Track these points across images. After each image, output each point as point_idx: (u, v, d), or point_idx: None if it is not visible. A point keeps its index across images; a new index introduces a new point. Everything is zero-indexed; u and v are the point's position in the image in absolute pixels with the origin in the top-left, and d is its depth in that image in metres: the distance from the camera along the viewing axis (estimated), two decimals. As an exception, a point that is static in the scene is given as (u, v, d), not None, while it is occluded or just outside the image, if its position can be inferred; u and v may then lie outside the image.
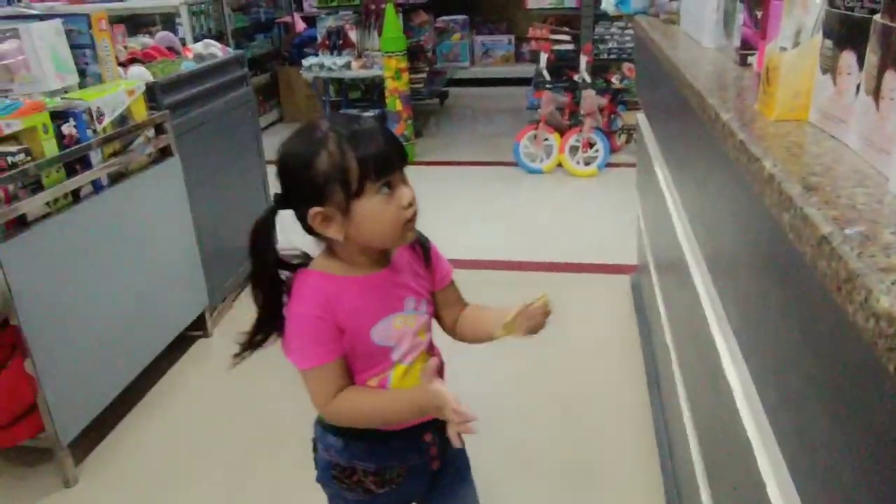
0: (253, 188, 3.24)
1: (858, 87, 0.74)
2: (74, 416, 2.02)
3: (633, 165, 2.91)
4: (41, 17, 2.35)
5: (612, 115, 4.67)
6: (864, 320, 0.48)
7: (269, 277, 1.10)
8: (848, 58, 0.77)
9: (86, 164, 2.10)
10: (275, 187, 1.09)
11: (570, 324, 2.66)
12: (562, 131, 4.49)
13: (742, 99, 1.04)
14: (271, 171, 3.95)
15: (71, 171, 2.04)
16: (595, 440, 2.12)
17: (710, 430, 1.33)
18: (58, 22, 2.22)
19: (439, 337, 1.25)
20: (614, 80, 4.66)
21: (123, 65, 2.56)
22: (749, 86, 1.12)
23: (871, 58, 0.70)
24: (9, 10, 3.74)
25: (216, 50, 3.02)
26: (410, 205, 1.05)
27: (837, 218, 0.58)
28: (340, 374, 1.10)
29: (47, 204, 1.95)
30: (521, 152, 4.56)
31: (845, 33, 0.77)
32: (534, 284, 1.15)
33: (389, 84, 4.76)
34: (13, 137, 1.85)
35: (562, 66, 4.63)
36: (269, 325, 1.12)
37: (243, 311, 2.99)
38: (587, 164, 4.46)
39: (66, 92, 2.21)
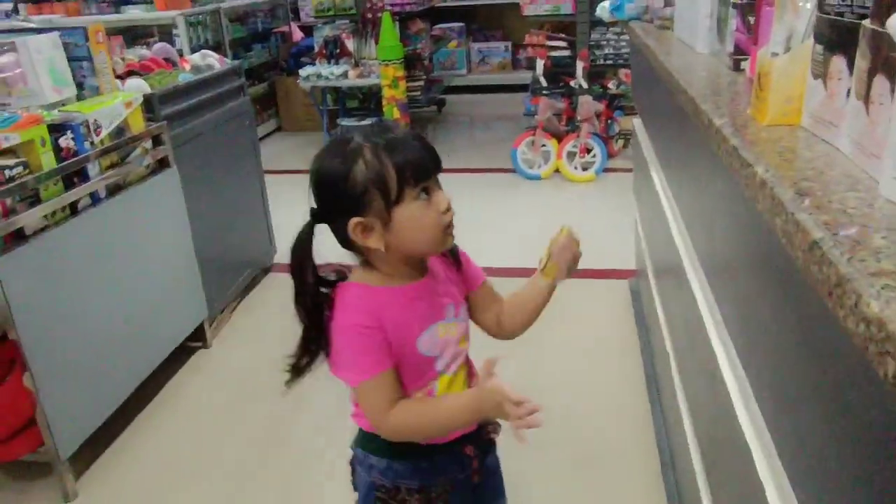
0: (251, 198, 3.25)
1: (849, 91, 0.74)
2: (74, 429, 2.02)
3: (630, 170, 2.92)
4: (38, 31, 2.37)
5: (609, 121, 4.68)
6: (855, 325, 0.48)
7: (312, 294, 1.08)
8: (838, 63, 0.77)
9: (84, 176, 2.11)
10: (305, 203, 1.09)
11: (570, 329, 2.66)
12: (559, 137, 4.50)
13: (735, 104, 1.04)
14: (272, 181, 3.94)
15: (69, 184, 2.04)
16: (596, 445, 2.11)
17: (709, 434, 1.33)
18: (55, 35, 2.23)
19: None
20: (611, 85, 4.67)
21: (121, 77, 2.57)
22: (742, 91, 1.13)
23: (861, 63, 0.70)
24: (6, 24, 3.76)
25: (213, 61, 3.03)
26: (448, 209, 1.05)
27: (829, 223, 0.59)
28: (395, 385, 1.07)
29: (45, 217, 1.95)
30: (519, 158, 4.57)
31: (835, 38, 0.78)
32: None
33: (387, 92, 4.77)
34: (11, 151, 1.85)
35: (558, 73, 4.64)
36: (315, 343, 1.10)
37: (243, 322, 3.00)
38: (585, 169, 4.47)
39: (63, 104, 2.21)
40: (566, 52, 4.66)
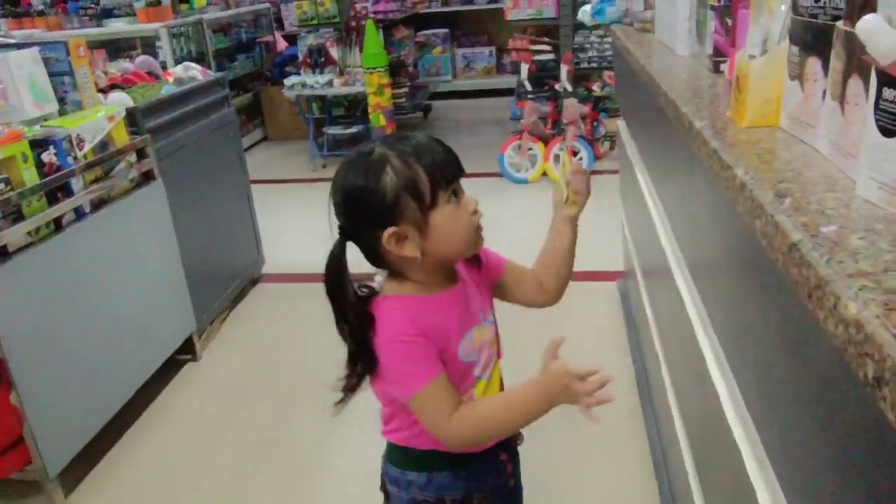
0: (238, 209, 3.23)
1: (825, 92, 0.75)
2: (62, 446, 2.00)
3: (616, 172, 2.93)
4: (18, 46, 2.35)
5: (595, 123, 4.69)
6: (834, 326, 0.49)
7: (356, 312, 1.05)
8: (814, 64, 0.78)
9: (67, 191, 2.09)
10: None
11: (560, 331, 2.65)
12: (545, 140, 4.51)
13: (715, 106, 1.05)
14: (259, 191, 3.92)
15: (53, 200, 2.03)
16: (588, 446, 2.12)
17: (699, 434, 1.34)
18: (35, 50, 2.22)
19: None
20: (595, 88, 4.69)
21: (103, 90, 2.56)
22: (722, 93, 1.14)
23: (836, 64, 0.71)
24: (-14, 40, 3.72)
25: (196, 73, 3.02)
26: (477, 210, 1.04)
27: (807, 224, 0.59)
28: (451, 389, 1.04)
29: (29, 233, 1.94)
30: (506, 163, 4.58)
31: (810, 40, 0.78)
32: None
33: (372, 100, 4.77)
34: (-8, 168, 1.84)
35: (543, 76, 4.66)
36: (363, 359, 1.06)
37: (232, 333, 2.98)
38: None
39: (45, 120, 2.20)
40: (550, 56, 4.68)
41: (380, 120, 4.79)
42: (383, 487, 1.23)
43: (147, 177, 2.48)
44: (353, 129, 5.31)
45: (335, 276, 1.05)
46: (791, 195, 0.66)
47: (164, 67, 3.23)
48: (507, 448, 1.20)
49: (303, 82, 5.08)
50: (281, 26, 6.67)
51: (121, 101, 2.47)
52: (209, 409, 2.49)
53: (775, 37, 0.88)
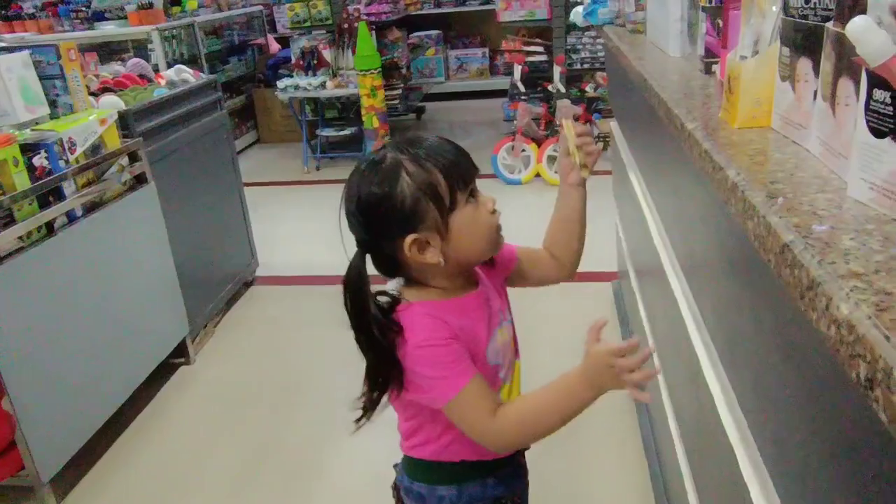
0: (231, 212, 3.23)
1: (816, 93, 0.75)
2: (55, 451, 1.99)
3: (609, 173, 2.93)
4: (9, 50, 2.34)
5: (588, 124, 4.70)
6: (826, 327, 0.49)
7: (379, 325, 0.99)
8: (805, 65, 0.78)
9: (59, 195, 2.08)
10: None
11: (554, 332, 2.66)
12: (539, 141, 4.52)
13: (707, 107, 1.05)
14: (252, 193, 3.91)
15: (44, 203, 2.02)
16: (582, 446, 2.12)
17: (694, 434, 1.34)
18: (25, 54, 2.21)
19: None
20: (588, 88, 4.70)
21: (95, 94, 2.55)
22: (714, 94, 1.14)
23: (826, 65, 0.71)
24: (-23, 43, 3.70)
25: (188, 76, 3.01)
26: (495, 209, 1.02)
27: (799, 225, 0.59)
28: (489, 389, 1.00)
29: (20, 238, 1.92)
30: (500, 164, 4.58)
31: (801, 41, 0.79)
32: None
33: (365, 102, 4.77)
34: (-17, 172, 1.83)
35: (536, 77, 4.66)
36: (387, 371, 1.00)
37: (226, 337, 2.97)
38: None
39: (36, 123, 2.19)
40: (543, 57, 4.69)
41: (373, 122, 4.79)
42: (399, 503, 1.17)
43: (139, 180, 2.47)
44: (347, 131, 5.31)
45: (357, 289, 1.00)
46: (783, 196, 0.66)
47: (156, 70, 3.22)
48: (524, 452, 1.19)
49: (295, 84, 5.07)
50: (273, 29, 6.67)
51: (113, 104, 2.46)
52: (203, 413, 2.48)
53: (766, 38, 0.89)
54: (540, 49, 4.71)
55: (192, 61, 5.31)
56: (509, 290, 1.19)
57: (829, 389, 0.58)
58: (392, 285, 1.06)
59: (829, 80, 0.70)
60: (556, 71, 4.44)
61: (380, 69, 4.75)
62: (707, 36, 1.27)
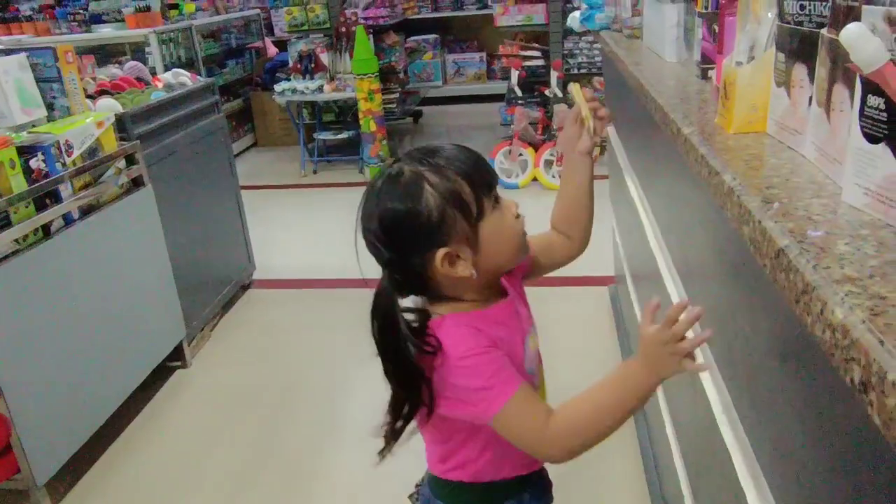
0: (228, 215, 3.22)
1: (811, 99, 0.76)
2: (50, 455, 1.98)
3: (606, 178, 2.94)
4: (6, 52, 2.34)
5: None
6: (821, 332, 0.49)
7: (415, 344, 0.93)
8: (800, 71, 0.78)
9: (56, 198, 2.08)
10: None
11: (551, 336, 2.66)
12: (536, 146, 4.53)
13: (703, 113, 1.06)
14: (249, 196, 3.90)
15: (41, 206, 2.02)
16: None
17: (691, 439, 1.34)
18: (22, 56, 2.21)
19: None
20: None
21: (93, 97, 2.55)
22: (710, 99, 1.14)
23: (821, 71, 0.72)
24: (-26, 46, 3.70)
25: (186, 79, 3.01)
26: (519, 214, 0.99)
27: (794, 230, 0.59)
28: (536, 394, 0.95)
29: (16, 240, 1.92)
30: (497, 168, 4.58)
31: (796, 47, 0.79)
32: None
33: (363, 105, 4.77)
34: (-21, 175, 1.82)
35: (533, 82, 4.68)
36: (414, 399, 0.95)
37: (223, 340, 2.97)
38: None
39: (33, 126, 2.19)
40: (540, 62, 4.70)
41: (370, 125, 4.79)
42: None
43: (136, 183, 2.47)
44: (344, 135, 5.31)
45: (387, 315, 0.94)
46: (778, 201, 0.67)
47: (154, 73, 3.22)
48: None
49: (293, 88, 5.07)
50: (271, 32, 6.68)
51: (109, 106, 2.46)
52: (199, 417, 2.48)
53: (762, 44, 0.89)
54: (537, 54, 4.73)
55: (190, 64, 5.31)
56: None
57: (824, 393, 0.58)
58: (410, 301, 1.00)
59: (824, 86, 0.71)
60: (554, 75, 4.46)
61: (377, 73, 4.76)
62: (703, 41, 1.27)
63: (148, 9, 5.19)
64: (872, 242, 0.56)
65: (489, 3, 6.18)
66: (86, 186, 2.22)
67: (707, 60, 1.26)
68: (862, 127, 0.59)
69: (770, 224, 0.62)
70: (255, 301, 3.34)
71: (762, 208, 0.66)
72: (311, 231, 4.19)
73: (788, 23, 0.81)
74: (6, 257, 1.88)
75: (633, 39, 2.01)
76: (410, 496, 1.18)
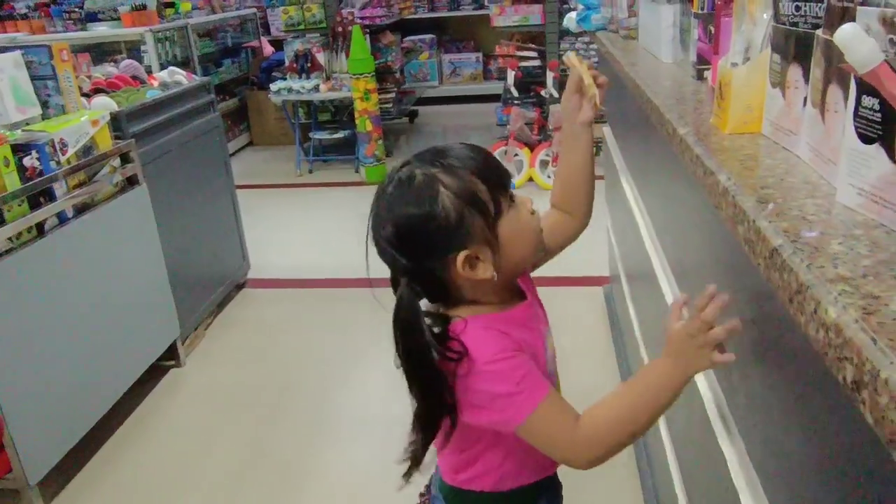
0: (223, 214, 3.22)
1: (805, 99, 0.76)
2: (43, 454, 1.98)
3: (602, 178, 2.94)
4: (1, 50, 2.33)
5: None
6: (815, 331, 0.49)
7: (440, 352, 0.88)
8: (795, 72, 0.79)
9: (50, 196, 2.07)
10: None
11: (546, 338, 2.67)
12: (531, 146, 4.53)
13: (699, 113, 1.06)
14: (244, 196, 3.89)
15: (35, 204, 2.01)
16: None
17: (685, 439, 1.34)
18: (17, 54, 2.20)
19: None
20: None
21: (88, 95, 2.54)
22: (705, 99, 1.15)
23: (816, 72, 0.72)
24: (-32, 43, 3.68)
25: (181, 77, 3.01)
26: (534, 210, 0.96)
27: (788, 230, 0.60)
28: (562, 398, 0.93)
29: (10, 239, 1.91)
30: (493, 168, 4.58)
31: (791, 48, 0.79)
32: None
33: (359, 105, 4.77)
34: (-27, 172, 1.82)
35: (529, 83, 4.68)
36: (441, 410, 0.91)
37: (217, 339, 2.96)
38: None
39: (28, 124, 2.18)
40: (536, 63, 4.71)
41: (366, 125, 4.79)
42: None
43: (131, 181, 2.46)
44: (340, 135, 5.31)
45: (411, 326, 0.89)
46: (773, 201, 0.67)
47: (149, 72, 3.21)
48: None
49: (289, 87, 5.07)
50: (267, 31, 6.66)
51: (105, 105, 2.45)
52: (193, 416, 2.47)
53: (757, 45, 0.89)
54: (533, 54, 4.73)
55: (186, 63, 5.30)
56: None
57: (818, 392, 0.58)
58: (426, 305, 0.96)
59: (818, 87, 0.71)
60: (550, 76, 4.46)
61: (373, 73, 4.76)
62: (699, 42, 1.27)
63: (144, 7, 5.18)
64: (866, 242, 0.56)
65: (486, 3, 6.19)
66: (80, 185, 2.21)
67: (703, 61, 1.27)
68: (856, 127, 0.60)
69: (764, 224, 0.62)
70: (249, 300, 3.33)
71: (757, 208, 0.66)
72: (306, 230, 4.18)
73: (784, 24, 0.81)
74: (0, 255, 1.87)
75: (629, 40, 2.01)
76: (427, 490, 1.15)
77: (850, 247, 0.55)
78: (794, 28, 0.78)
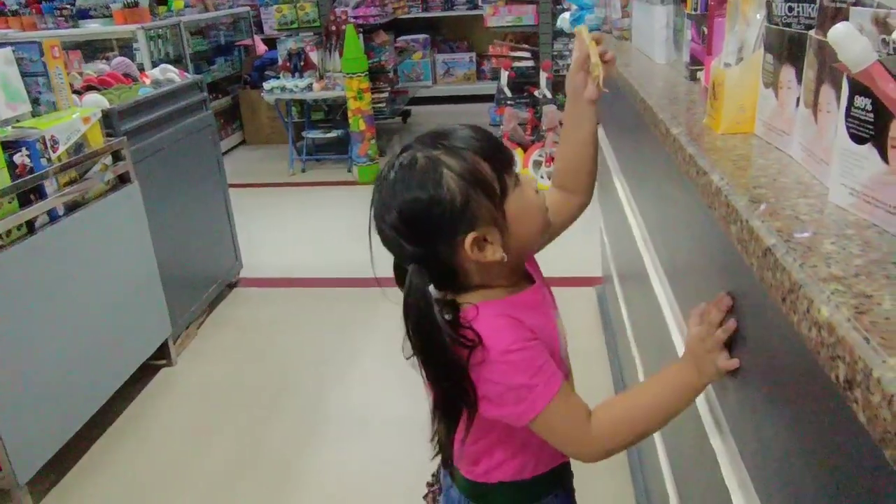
0: (215, 213, 3.20)
1: (798, 100, 0.76)
2: (32, 453, 1.96)
3: (594, 179, 2.95)
4: (-9, 46, 2.31)
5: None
6: (808, 330, 0.49)
7: (455, 339, 0.86)
8: (788, 72, 0.79)
9: (40, 193, 2.06)
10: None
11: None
12: (525, 147, 4.53)
13: (692, 113, 1.06)
14: (237, 194, 3.88)
15: (25, 202, 1.99)
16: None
17: (676, 438, 1.35)
18: (7, 50, 2.18)
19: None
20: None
21: (79, 92, 2.53)
22: (699, 100, 1.15)
23: (809, 72, 0.72)
24: (-42, 39, 3.66)
25: (174, 75, 2.99)
26: (538, 189, 0.94)
27: (781, 230, 0.60)
28: (575, 391, 0.92)
29: (0, 236, 1.90)
30: (486, 168, 4.59)
31: (784, 49, 0.80)
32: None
33: (352, 104, 4.76)
34: (-38, 169, 1.80)
35: (522, 83, 4.69)
36: (458, 396, 0.89)
37: (209, 339, 2.95)
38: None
39: (18, 121, 2.17)
40: (530, 63, 4.71)
41: (359, 124, 4.78)
42: None
43: (123, 179, 2.45)
44: (333, 134, 5.30)
45: (423, 314, 0.86)
46: (765, 201, 0.67)
47: (141, 69, 3.19)
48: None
49: (282, 86, 5.05)
50: (260, 30, 6.64)
51: (96, 102, 2.44)
52: (185, 416, 2.46)
53: (750, 45, 0.90)
54: (527, 54, 4.73)
55: (178, 61, 5.28)
56: None
57: (810, 391, 0.59)
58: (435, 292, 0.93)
59: (811, 88, 0.71)
60: (543, 76, 4.46)
61: (367, 72, 4.75)
62: (692, 43, 1.28)
63: (136, 4, 5.15)
64: (858, 242, 0.56)
65: (479, 3, 6.19)
66: (71, 182, 2.20)
67: (696, 62, 1.27)
68: (848, 127, 0.60)
69: (757, 223, 0.62)
70: (241, 299, 3.32)
71: (749, 208, 0.66)
72: (298, 230, 4.17)
73: (777, 24, 0.81)
74: (-11, 253, 1.86)
75: (622, 41, 2.01)
76: (425, 497, 1.14)
77: (843, 246, 0.56)
78: (787, 29, 0.79)
